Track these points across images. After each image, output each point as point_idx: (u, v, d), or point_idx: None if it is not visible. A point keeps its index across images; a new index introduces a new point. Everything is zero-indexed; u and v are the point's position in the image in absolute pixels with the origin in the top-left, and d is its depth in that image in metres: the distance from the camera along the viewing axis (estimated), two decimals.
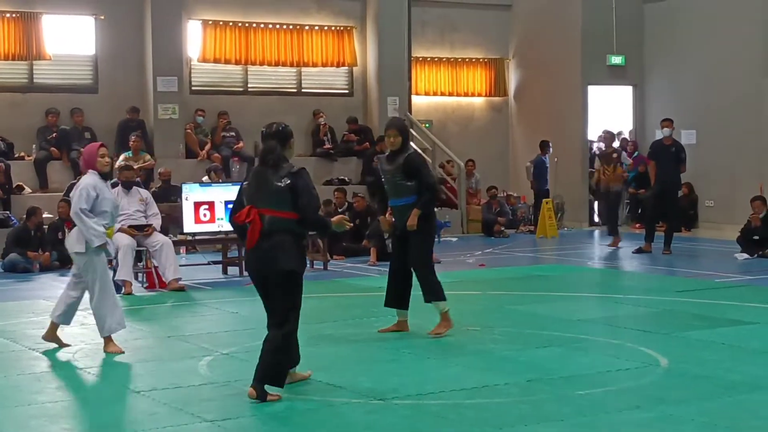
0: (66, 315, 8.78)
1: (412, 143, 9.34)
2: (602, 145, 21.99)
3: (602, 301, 11.27)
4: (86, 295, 8.64)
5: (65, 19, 18.18)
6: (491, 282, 12.94)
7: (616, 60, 21.29)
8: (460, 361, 7.98)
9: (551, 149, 20.07)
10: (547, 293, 11.75)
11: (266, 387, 6.70)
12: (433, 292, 8.93)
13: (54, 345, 8.74)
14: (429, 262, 8.99)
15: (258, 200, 6.80)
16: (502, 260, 15.35)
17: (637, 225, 19.78)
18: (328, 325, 9.55)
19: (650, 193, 16.62)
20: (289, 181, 6.76)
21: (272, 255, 6.71)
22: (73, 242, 8.49)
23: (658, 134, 17.10)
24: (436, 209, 18.97)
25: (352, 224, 7.74)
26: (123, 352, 8.39)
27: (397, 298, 9.11)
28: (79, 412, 6.64)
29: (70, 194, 8.82)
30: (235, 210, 7.00)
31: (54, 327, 8.77)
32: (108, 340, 8.49)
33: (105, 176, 8.59)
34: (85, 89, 18.32)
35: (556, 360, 8.02)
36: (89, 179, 8.50)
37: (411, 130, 20.10)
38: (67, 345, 8.72)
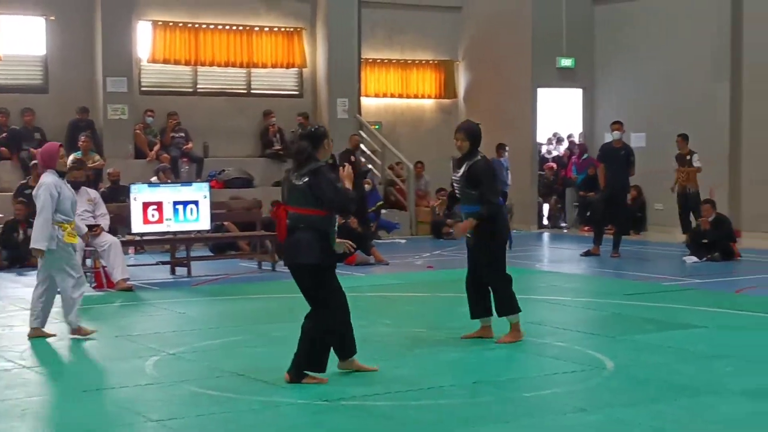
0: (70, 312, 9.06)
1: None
2: (550, 147, 22.28)
3: (550, 304, 11.32)
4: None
5: (15, 20, 18.02)
6: (439, 284, 12.96)
7: (566, 62, 21.41)
8: (407, 362, 7.98)
9: (507, 151, 20.07)
10: None
11: (306, 372, 7.12)
12: (506, 307, 8.64)
13: (4, 344, 8.86)
14: (498, 274, 8.64)
15: (287, 198, 7.26)
16: (450, 262, 15.36)
17: (586, 228, 19.92)
18: (275, 326, 9.52)
19: (599, 196, 16.73)
20: (307, 179, 7.06)
21: (294, 250, 7.13)
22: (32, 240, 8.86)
23: (608, 137, 17.22)
24: (384, 210, 19.19)
25: (354, 249, 7.86)
26: (95, 331, 9.02)
27: (476, 307, 8.81)
28: (26, 411, 6.56)
29: (33, 194, 9.01)
30: (278, 202, 7.69)
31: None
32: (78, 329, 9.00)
33: (62, 175, 8.98)
34: (36, 89, 18.16)
35: (503, 362, 8.06)
36: (49, 179, 8.83)
37: (363, 132, 20.29)
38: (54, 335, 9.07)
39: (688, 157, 17.61)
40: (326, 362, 7.24)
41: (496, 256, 8.64)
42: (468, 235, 8.69)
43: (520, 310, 8.70)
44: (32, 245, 8.85)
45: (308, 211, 7.11)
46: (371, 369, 7.50)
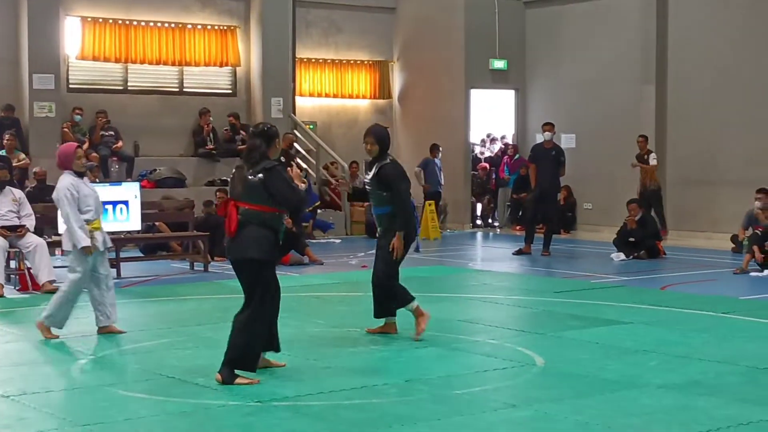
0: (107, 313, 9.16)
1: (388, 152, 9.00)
2: (495, 148, 22.47)
3: (482, 303, 11.39)
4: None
5: None
6: None
7: (499, 64, 21.58)
8: (339, 362, 7.96)
9: (441, 151, 20.16)
10: (428, 294, 11.76)
11: (238, 372, 7.08)
12: (400, 301, 8.88)
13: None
14: (389, 274, 8.86)
15: (237, 194, 7.25)
16: None
17: (518, 227, 20.09)
18: (207, 328, 9.43)
19: (530, 195, 16.90)
20: (261, 176, 7.13)
21: (242, 244, 7.13)
22: (66, 241, 8.98)
23: (539, 138, 17.40)
24: (319, 210, 19.14)
25: (305, 183, 7.73)
26: (125, 332, 9.07)
27: (380, 307, 9.00)
28: None
29: (53, 197, 9.03)
30: (210, 203, 7.52)
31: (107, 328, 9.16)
32: (111, 327, 9.10)
33: (80, 175, 9.00)
34: None
35: (435, 360, 8.07)
36: (67, 180, 8.87)
37: (298, 131, 20.21)
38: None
39: (646, 156, 18.31)
40: (257, 362, 7.20)
41: (396, 258, 8.84)
42: (378, 234, 9.03)
43: (413, 297, 8.87)
44: (80, 245, 8.79)
45: (260, 208, 7.16)
46: (279, 365, 7.55)
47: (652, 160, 18.36)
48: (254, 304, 7.16)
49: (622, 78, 19.84)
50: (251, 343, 7.14)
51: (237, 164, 7.49)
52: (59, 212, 9.19)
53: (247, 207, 7.18)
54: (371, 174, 8.85)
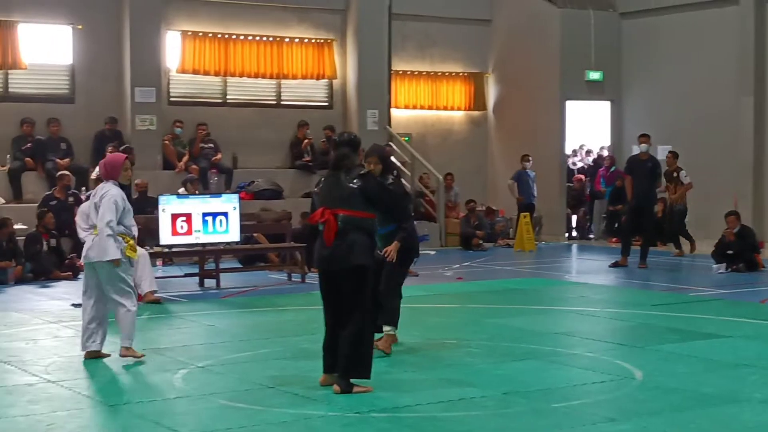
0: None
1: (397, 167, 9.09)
2: (590, 159, 22.25)
3: (578, 315, 11.30)
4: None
5: (42, 28, 18.00)
6: (469, 295, 12.96)
7: (594, 75, 21.41)
8: (436, 374, 7.98)
9: (530, 161, 20.06)
10: (524, 306, 11.79)
11: (354, 381, 7.18)
12: (387, 317, 8.83)
13: (29, 358, 8.73)
14: (392, 286, 8.85)
15: (331, 202, 7.29)
16: (479, 273, 15.37)
17: (614, 239, 19.87)
18: (304, 339, 9.52)
19: (626, 207, 16.73)
20: (359, 183, 7.27)
21: (346, 251, 7.19)
22: (99, 251, 8.39)
23: (635, 149, 17.20)
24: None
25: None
26: (143, 356, 8.53)
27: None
28: (51, 426, 6.56)
29: (95, 201, 8.54)
30: (307, 214, 7.45)
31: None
32: (128, 348, 8.51)
33: (124, 188, 8.70)
34: (62, 99, 18.17)
35: (532, 373, 8.05)
36: (117, 191, 8.48)
37: (393, 143, 20.30)
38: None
39: (675, 174, 17.89)
40: (370, 368, 7.27)
41: (401, 272, 8.86)
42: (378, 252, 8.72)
43: (396, 323, 8.80)
44: (109, 257, 8.32)
45: (359, 214, 7.26)
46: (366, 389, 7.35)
47: (684, 178, 17.94)
48: (361, 313, 7.21)
49: (720, 89, 19.52)
50: (364, 351, 7.24)
51: (325, 174, 7.57)
52: (99, 214, 8.45)
53: (346, 214, 7.24)
54: None
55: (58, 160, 16.97)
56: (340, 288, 7.29)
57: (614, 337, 9.81)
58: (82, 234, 9.18)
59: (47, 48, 18.06)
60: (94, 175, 14.21)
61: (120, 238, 8.44)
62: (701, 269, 15.54)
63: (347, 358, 7.18)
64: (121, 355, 8.46)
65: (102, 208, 8.37)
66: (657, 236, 18.55)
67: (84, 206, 8.61)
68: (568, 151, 22.12)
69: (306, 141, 19.65)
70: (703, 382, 7.58)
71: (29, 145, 17.25)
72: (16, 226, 14.97)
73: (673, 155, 18.22)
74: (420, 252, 9.29)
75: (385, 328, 8.82)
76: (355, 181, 7.28)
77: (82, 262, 8.82)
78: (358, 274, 7.21)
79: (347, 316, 7.25)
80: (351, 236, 7.22)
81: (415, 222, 18.90)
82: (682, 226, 18.23)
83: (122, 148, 16.26)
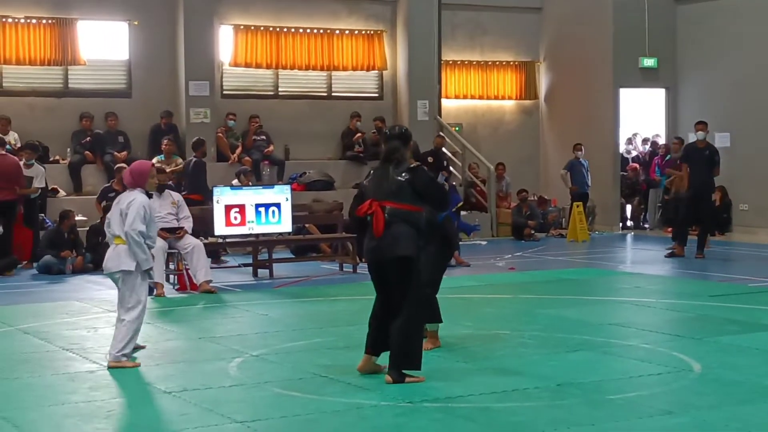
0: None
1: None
2: (630, 147, 22.00)
3: (633, 306, 11.18)
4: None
5: (100, 25, 18.28)
6: (521, 285, 12.90)
7: (649, 62, 21.15)
8: (489, 363, 7.96)
9: (583, 151, 19.86)
10: (577, 297, 11.70)
11: (405, 371, 7.22)
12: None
13: (90, 346, 8.86)
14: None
15: (380, 194, 7.36)
16: (532, 264, 15.29)
17: (669, 229, 19.63)
18: (357, 328, 9.49)
19: (683, 196, 16.49)
20: (408, 176, 7.32)
21: (392, 242, 7.25)
22: (120, 260, 8.13)
23: (692, 137, 16.99)
24: (464, 212, 19.08)
25: None
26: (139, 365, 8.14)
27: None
28: (111, 413, 6.68)
29: (122, 210, 8.18)
30: (354, 206, 7.68)
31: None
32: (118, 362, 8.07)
33: (150, 195, 8.42)
34: (119, 93, 18.45)
35: (587, 364, 7.98)
36: (143, 198, 8.17)
37: (443, 133, 20.23)
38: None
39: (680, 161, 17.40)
40: (420, 359, 7.29)
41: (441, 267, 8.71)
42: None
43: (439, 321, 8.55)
44: (144, 267, 8.09)
45: (406, 207, 7.31)
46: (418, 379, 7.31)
47: None
48: (411, 303, 7.25)
49: None
50: (414, 342, 7.28)
51: (375, 166, 7.66)
52: (128, 221, 8.09)
53: (394, 206, 7.30)
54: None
55: (116, 153, 17.22)
56: (388, 279, 7.36)
57: (671, 329, 9.68)
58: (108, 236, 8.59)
59: (105, 44, 18.33)
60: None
61: (146, 247, 8.12)
62: (761, 259, 15.29)
63: (398, 347, 7.23)
64: (109, 367, 8.00)
65: (131, 215, 8.06)
66: (715, 226, 18.29)
67: (110, 214, 8.40)
68: (622, 139, 21.91)
69: (358, 135, 19.68)
70: (764, 375, 7.45)
71: (88, 138, 17.61)
72: (76, 218, 15.22)
73: (680, 141, 17.93)
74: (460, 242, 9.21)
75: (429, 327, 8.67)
76: (404, 174, 7.33)
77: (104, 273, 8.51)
78: (404, 265, 7.26)
79: (397, 307, 7.30)
80: (397, 228, 7.27)
81: (465, 212, 18.69)
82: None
83: (194, 140, 16.45)
